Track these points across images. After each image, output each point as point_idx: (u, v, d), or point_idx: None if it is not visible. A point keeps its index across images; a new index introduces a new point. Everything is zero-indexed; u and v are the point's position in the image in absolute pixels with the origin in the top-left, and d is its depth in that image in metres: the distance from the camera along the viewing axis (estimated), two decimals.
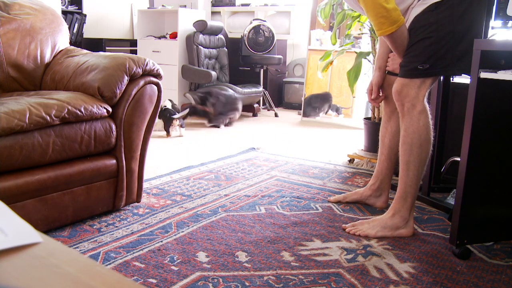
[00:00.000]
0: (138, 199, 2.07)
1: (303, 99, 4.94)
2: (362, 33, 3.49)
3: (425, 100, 1.82)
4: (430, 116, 1.84)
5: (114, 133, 1.87)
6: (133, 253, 1.63)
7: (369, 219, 1.95)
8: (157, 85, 2.00)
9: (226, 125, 4.34)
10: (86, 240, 1.72)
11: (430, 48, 1.76)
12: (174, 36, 5.08)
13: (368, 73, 3.42)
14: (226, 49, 5.23)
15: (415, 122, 1.81)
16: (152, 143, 3.03)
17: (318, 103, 4.73)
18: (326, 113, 4.73)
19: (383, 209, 2.18)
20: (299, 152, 3.36)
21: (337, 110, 4.68)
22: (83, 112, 1.73)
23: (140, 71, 1.92)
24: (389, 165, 2.18)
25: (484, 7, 1.78)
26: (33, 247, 0.47)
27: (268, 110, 5.38)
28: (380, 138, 2.19)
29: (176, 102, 5.02)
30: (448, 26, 1.74)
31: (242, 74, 5.48)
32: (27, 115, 1.56)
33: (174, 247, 1.69)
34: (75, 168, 1.76)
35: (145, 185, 2.33)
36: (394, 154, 2.13)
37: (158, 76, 2.00)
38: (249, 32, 5.12)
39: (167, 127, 3.78)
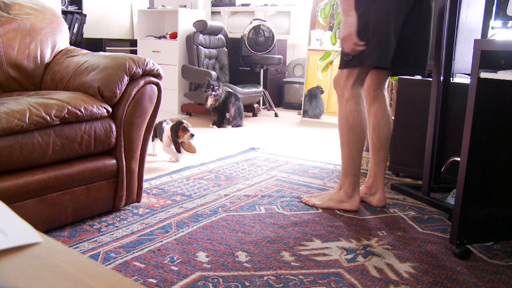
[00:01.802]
0: (138, 199, 2.07)
1: (303, 99, 4.94)
2: None
3: (355, 88, 2.01)
4: (360, 103, 2.02)
5: (114, 133, 1.87)
6: (133, 253, 1.63)
7: (321, 193, 2.27)
8: (157, 85, 2.00)
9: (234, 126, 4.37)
10: (86, 240, 1.72)
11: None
12: (174, 36, 5.08)
13: None
14: (226, 49, 5.23)
15: (343, 109, 2.04)
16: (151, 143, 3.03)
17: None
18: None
19: (382, 208, 2.18)
20: (299, 152, 3.36)
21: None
22: (83, 112, 1.73)
23: (140, 71, 1.92)
24: (375, 160, 2.24)
25: (402, 3, 1.91)
26: (33, 247, 0.47)
27: (268, 110, 5.38)
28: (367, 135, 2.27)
29: (176, 102, 5.02)
30: (363, 19, 1.91)
31: (242, 74, 5.48)
32: (27, 115, 1.56)
33: (174, 247, 1.69)
34: (75, 168, 1.76)
35: (145, 185, 2.33)
36: (378, 148, 2.21)
37: (158, 76, 2.00)
38: (249, 32, 5.12)
39: (177, 147, 2.95)
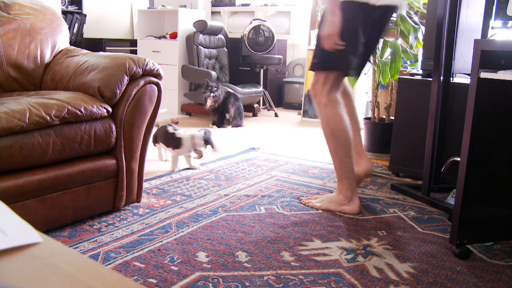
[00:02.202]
0: (138, 199, 2.07)
1: (303, 99, 4.94)
2: None
3: (332, 93, 2.04)
4: (337, 107, 2.05)
5: (114, 133, 1.87)
6: (133, 253, 1.63)
7: (322, 195, 2.28)
8: (157, 85, 2.00)
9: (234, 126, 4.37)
10: (86, 240, 1.72)
11: (318, 45, 2.03)
12: (174, 36, 5.08)
13: (368, 73, 3.42)
14: (226, 49, 5.23)
15: (323, 115, 2.07)
16: (152, 142, 3.03)
17: None
18: None
19: (369, 175, 2.42)
20: (299, 152, 3.36)
21: None
22: (83, 112, 1.73)
23: (140, 71, 1.92)
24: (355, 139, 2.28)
25: (368, 15, 1.98)
26: (33, 247, 0.47)
27: (268, 110, 5.38)
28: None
29: (176, 102, 5.02)
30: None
31: (242, 74, 5.48)
32: (27, 115, 1.56)
33: (174, 247, 1.69)
34: (75, 168, 1.76)
35: (145, 185, 2.33)
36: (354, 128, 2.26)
37: (158, 76, 2.00)
38: (249, 32, 5.12)
39: (189, 162, 2.83)
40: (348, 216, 2.09)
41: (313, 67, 2.09)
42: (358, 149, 2.28)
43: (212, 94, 4.14)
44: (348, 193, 2.13)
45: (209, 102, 4.17)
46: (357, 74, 2.14)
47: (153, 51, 5.14)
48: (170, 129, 2.83)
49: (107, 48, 5.18)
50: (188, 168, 2.79)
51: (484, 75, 1.54)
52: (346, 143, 2.07)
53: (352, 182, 2.13)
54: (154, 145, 2.98)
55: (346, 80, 2.22)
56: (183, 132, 2.80)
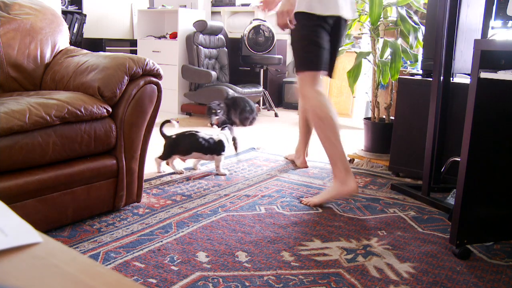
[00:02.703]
0: (138, 199, 2.07)
1: None
2: (362, 33, 3.49)
3: (315, 87, 2.27)
4: (321, 97, 2.26)
5: (114, 133, 1.87)
6: (133, 253, 1.63)
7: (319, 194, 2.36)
8: (157, 85, 2.00)
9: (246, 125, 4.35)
10: (86, 240, 1.72)
11: (294, 50, 2.35)
12: (174, 36, 5.08)
13: (368, 73, 3.42)
14: (226, 49, 5.23)
15: (310, 107, 2.29)
16: (152, 143, 3.03)
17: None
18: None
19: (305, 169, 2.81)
20: None
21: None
22: (83, 112, 1.73)
23: (140, 71, 1.92)
24: (303, 132, 2.90)
25: (324, 26, 2.23)
26: (33, 247, 0.47)
27: (268, 110, 5.38)
28: None
29: (176, 102, 5.02)
30: (295, 32, 2.28)
31: (242, 74, 5.48)
32: (27, 115, 1.56)
33: (174, 247, 1.69)
34: (75, 168, 1.76)
35: (145, 185, 2.33)
36: (307, 125, 2.82)
37: (158, 76, 2.00)
38: (249, 32, 5.12)
39: (196, 164, 2.75)
40: (348, 216, 2.09)
41: (295, 70, 2.36)
42: (303, 148, 2.86)
43: (215, 117, 4.08)
44: (342, 175, 2.19)
45: (214, 122, 4.09)
46: (327, 70, 2.38)
47: (153, 51, 5.14)
48: (202, 135, 2.62)
49: (107, 48, 5.18)
50: (188, 168, 2.79)
51: (484, 75, 1.54)
52: (334, 127, 2.22)
53: (345, 165, 2.21)
54: (166, 161, 2.66)
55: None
56: (214, 135, 2.66)
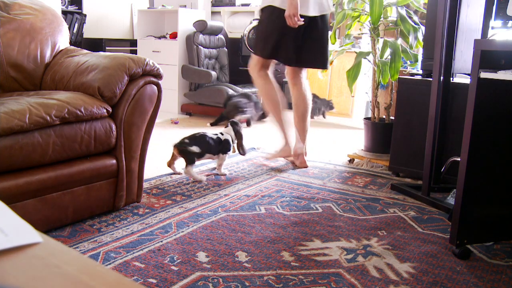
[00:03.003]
0: (138, 199, 2.07)
1: None
2: (362, 33, 3.49)
3: (261, 71, 2.90)
4: (266, 79, 2.91)
5: (114, 133, 1.87)
6: (133, 253, 1.63)
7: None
8: (157, 85, 2.00)
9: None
10: (86, 240, 1.72)
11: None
12: (174, 36, 5.08)
13: (368, 73, 3.42)
14: (226, 49, 5.23)
15: (257, 85, 3.00)
16: (152, 142, 3.03)
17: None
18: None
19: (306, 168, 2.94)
20: None
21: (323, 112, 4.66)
22: (83, 112, 1.73)
23: (140, 71, 1.92)
24: (298, 129, 2.98)
25: (280, 20, 2.66)
26: (33, 247, 0.47)
27: None
28: None
29: (176, 102, 5.02)
30: (260, 25, 2.86)
31: (242, 74, 5.47)
32: (27, 115, 1.56)
33: (174, 247, 1.69)
34: (75, 168, 1.76)
35: (145, 185, 2.33)
36: (297, 121, 2.96)
37: (158, 76, 2.00)
38: (249, 32, 5.11)
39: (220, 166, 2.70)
40: (348, 216, 2.09)
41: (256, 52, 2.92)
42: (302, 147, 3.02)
43: (244, 116, 3.99)
44: (284, 140, 2.97)
45: (241, 121, 3.99)
46: (299, 65, 2.86)
47: (153, 51, 5.14)
48: (210, 135, 2.63)
49: (107, 48, 5.18)
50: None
51: (484, 75, 1.54)
52: (277, 102, 2.92)
53: (284, 130, 2.95)
54: (168, 163, 2.63)
55: (293, 76, 2.94)
56: (219, 134, 2.68)
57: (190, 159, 2.52)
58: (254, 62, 2.91)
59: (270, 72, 2.98)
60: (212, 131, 2.73)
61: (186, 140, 2.55)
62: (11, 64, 2.05)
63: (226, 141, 2.67)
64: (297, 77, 2.93)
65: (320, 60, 2.85)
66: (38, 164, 1.64)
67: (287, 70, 2.97)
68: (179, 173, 2.65)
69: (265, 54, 2.82)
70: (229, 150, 2.69)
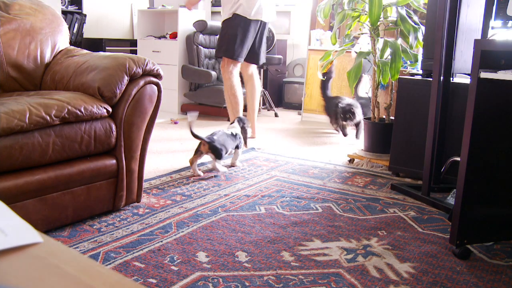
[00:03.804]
0: (138, 199, 2.07)
1: (303, 99, 4.94)
2: (362, 33, 3.49)
3: (231, 70, 3.56)
4: (233, 79, 3.58)
5: (114, 133, 1.87)
6: (133, 253, 1.63)
7: None
8: (157, 85, 2.00)
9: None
10: (86, 240, 1.72)
11: (221, 37, 3.59)
12: (174, 36, 5.08)
13: (368, 73, 3.41)
14: None
15: (226, 84, 3.62)
16: (152, 142, 3.03)
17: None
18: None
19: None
20: (299, 152, 3.36)
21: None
22: (83, 112, 1.73)
23: (140, 71, 1.92)
24: (250, 112, 3.80)
25: (250, 31, 3.51)
26: (33, 247, 0.47)
27: (268, 110, 5.38)
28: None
29: (176, 102, 5.02)
30: (225, 28, 3.54)
31: (242, 74, 5.47)
32: (27, 115, 1.56)
33: (174, 247, 1.69)
34: (75, 168, 1.76)
35: (145, 185, 2.33)
36: (250, 106, 3.78)
37: (158, 76, 2.00)
38: None
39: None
40: (348, 216, 2.09)
41: (218, 54, 3.62)
42: (252, 125, 3.62)
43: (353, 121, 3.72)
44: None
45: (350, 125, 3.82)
46: (254, 61, 3.70)
47: (153, 51, 5.14)
48: (228, 132, 2.82)
49: (107, 48, 5.18)
50: (188, 168, 2.79)
51: (484, 75, 1.54)
52: (238, 100, 3.62)
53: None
54: (191, 161, 2.68)
55: (250, 67, 3.73)
56: (231, 129, 2.88)
57: (219, 155, 2.65)
58: (224, 63, 3.57)
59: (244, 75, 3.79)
60: (225, 128, 2.90)
61: (214, 137, 2.68)
62: (11, 64, 2.05)
63: (239, 136, 2.88)
64: (250, 71, 3.75)
65: (264, 57, 3.77)
66: (38, 164, 1.64)
67: (244, 66, 3.69)
68: (198, 175, 2.64)
69: (238, 56, 3.49)
70: (242, 144, 2.91)
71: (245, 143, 3.01)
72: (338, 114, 3.79)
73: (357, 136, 3.84)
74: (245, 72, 3.75)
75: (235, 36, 3.45)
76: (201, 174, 2.65)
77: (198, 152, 2.66)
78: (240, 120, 3.03)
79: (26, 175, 1.60)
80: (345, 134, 3.96)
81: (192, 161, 2.67)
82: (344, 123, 3.81)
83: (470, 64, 1.61)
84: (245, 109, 3.85)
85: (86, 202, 1.84)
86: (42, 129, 1.62)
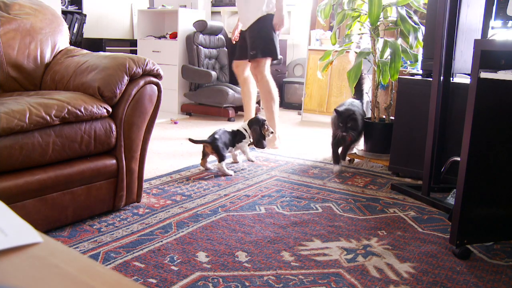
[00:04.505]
0: (138, 199, 2.07)
1: (303, 99, 4.94)
2: (362, 33, 3.49)
3: (267, 72, 3.46)
4: (271, 80, 3.48)
5: (114, 133, 1.87)
6: (133, 253, 1.63)
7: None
8: (157, 85, 2.00)
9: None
10: (86, 240, 1.72)
11: (255, 40, 3.43)
12: (174, 36, 5.08)
13: (368, 73, 3.42)
14: (226, 49, 5.23)
15: (265, 87, 3.46)
16: (152, 142, 3.03)
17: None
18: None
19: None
20: (299, 152, 3.36)
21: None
22: (83, 112, 1.73)
23: (140, 71, 1.92)
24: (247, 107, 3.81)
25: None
26: (33, 247, 0.47)
27: None
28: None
29: (176, 102, 5.02)
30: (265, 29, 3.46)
31: None
32: (27, 115, 1.56)
33: (174, 247, 1.69)
34: (75, 168, 1.76)
35: (145, 185, 2.33)
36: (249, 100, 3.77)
37: (158, 76, 2.00)
38: None
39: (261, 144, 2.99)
40: (348, 216, 2.09)
41: (253, 56, 3.39)
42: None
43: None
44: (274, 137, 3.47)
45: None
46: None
47: (153, 51, 5.14)
48: (228, 129, 2.88)
49: (107, 48, 5.18)
50: (188, 168, 2.79)
51: (484, 75, 1.54)
52: (277, 103, 3.57)
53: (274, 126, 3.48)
54: (202, 162, 2.79)
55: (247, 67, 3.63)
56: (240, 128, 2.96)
57: (222, 155, 2.69)
58: (261, 65, 3.42)
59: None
60: (227, 126, 2.94)
61: (217, 136, 2.72)
62: (11, 64, 2.05)
63: (239, 132, 2.90)
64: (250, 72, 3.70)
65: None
66: (38, 164, 1.64)
67: (244, 66, 3.67)
68: (223, 172, 2.70)
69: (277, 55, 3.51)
70: (244, 139, 2.92)
71: (257, 143, 2.98)
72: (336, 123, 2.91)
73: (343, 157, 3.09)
74: (243, 72, 3.69)
75: (272, 35, 3.47)
76: (227, 170, 2.68)
77: (204, 155, 2.77)
78: (255, 122, 2.98)
79: (26, 175, 1.60)
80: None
81: (202, 165, 2.79)
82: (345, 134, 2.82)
83: (470, 64, 1.61)
84: (242, 110, 3.85)
85: (86, 202, 1.84)
86: (42, 129, 1.62)
